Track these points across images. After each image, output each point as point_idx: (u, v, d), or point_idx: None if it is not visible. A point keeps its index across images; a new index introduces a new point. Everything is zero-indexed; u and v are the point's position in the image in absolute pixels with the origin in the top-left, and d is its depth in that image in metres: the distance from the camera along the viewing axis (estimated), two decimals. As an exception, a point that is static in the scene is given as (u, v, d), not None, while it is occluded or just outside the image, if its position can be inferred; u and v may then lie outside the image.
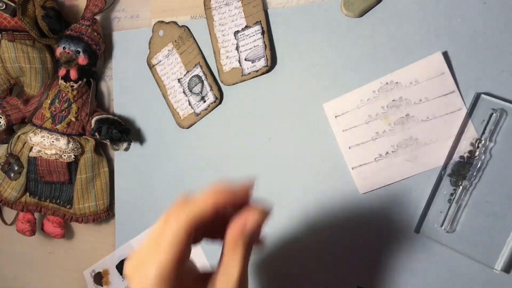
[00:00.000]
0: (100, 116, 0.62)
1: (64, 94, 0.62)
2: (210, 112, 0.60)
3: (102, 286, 0.69)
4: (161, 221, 0.33)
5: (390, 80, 0.49)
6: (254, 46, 0.56)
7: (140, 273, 0.32)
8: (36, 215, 0.69)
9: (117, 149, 0.65)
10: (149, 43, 0.62)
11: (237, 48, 0.57)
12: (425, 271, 0.50)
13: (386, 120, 0.48)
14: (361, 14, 0.52)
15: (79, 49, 0.60)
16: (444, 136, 0.45)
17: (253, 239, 0.34)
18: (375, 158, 0.48)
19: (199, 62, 0.60)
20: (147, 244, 0.33)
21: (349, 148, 0.51)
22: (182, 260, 0.32)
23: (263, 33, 0.55)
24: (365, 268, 0.53)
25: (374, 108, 0.49)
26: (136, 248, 0.38)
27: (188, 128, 0.62)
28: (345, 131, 0.51)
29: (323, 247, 0.55)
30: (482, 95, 0.47)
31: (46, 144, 0.62)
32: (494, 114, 0.47)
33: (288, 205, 0.56)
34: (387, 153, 0.48)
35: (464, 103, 0.48)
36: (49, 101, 0.62)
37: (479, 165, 0.47)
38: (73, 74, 0.61)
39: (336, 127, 0.52)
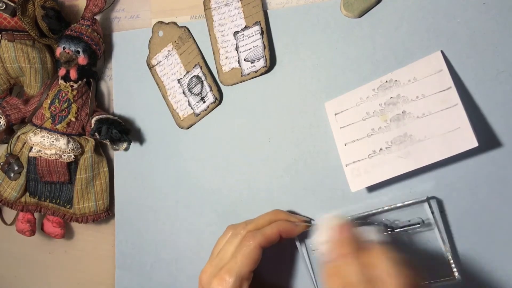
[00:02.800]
0: (100, 116, 0.63)
1: (64, 94, 0.62)
2: (209, 112, 0.60)
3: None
4: (228, 239, 0.48)
5: (390, 79, 0.49)
6: (254, 47, 0.56)
7: (219, 279, 0.43)
8: (36, 215, 0.69)
9: (117, 149, 0.65)
10: (149, 43, 0.62)
11: (236, 49, 0.57)
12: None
13: (383, 117, 0.48)
14: (361, 15, 0.52)
15: (79, 49, 0.60)
16: (438, 133, 0.45)
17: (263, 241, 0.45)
18: (369, 155, 0.48)
19: (198, 62, 0.60)
20: (217, 258, 0.46)
21: (345, 145, 0.50)
22: (253, 268, 0.44)
23: (262, 33, 0.55)
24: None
25: (372, 105, 0.49)
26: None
27: (187, 128, 0.62)
28: (343, 128, 0.51)
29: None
30: None
31: (46, 144, 0.62)
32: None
33: (288, 206, 0.56)
34: (380, 149, 0.48)
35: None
36: (49, 101, 0.62)
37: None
38: (73, 74, 0.61)
39: (335, 125, 0.52)
